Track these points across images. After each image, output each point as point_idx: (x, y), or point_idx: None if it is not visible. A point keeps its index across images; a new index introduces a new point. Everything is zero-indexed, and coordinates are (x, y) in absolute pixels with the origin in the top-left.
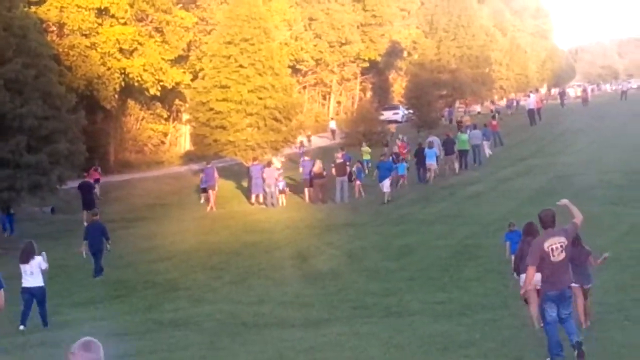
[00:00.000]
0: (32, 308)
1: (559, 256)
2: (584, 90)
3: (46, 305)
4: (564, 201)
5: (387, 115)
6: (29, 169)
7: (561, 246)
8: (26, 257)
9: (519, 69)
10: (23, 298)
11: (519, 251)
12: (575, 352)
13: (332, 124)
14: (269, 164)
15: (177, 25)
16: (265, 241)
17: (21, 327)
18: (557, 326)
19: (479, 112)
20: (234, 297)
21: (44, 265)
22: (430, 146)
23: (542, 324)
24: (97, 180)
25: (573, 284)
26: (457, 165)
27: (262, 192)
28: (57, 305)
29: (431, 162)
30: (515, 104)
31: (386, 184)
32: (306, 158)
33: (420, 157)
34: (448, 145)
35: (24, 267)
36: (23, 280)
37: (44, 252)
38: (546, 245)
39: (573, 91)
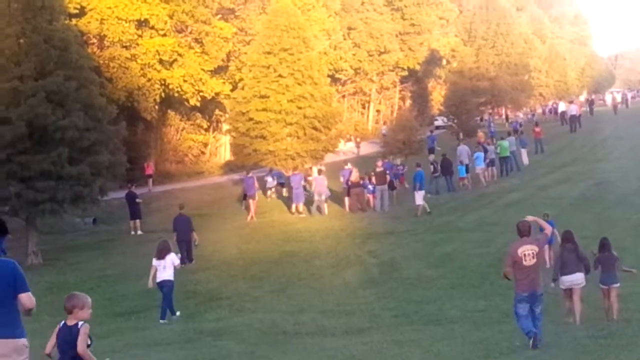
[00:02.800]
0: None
1: (530, 261)
2: (614, 98)
3: (172, 297)
4: (530, 218)
5: None
6: (71, 181)
7: (532, 253)
8: (163, 254)
9: (558, 76)
10: (162, 292)
11: (558, 257)
12: (531, 341)
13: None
14: (320, 171)
15: (217, 35)
16: (305, 250)
17: (174, 317)
18: (528, 317)
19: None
20: (274, 306)
21: (176, 262)
22: (462, 162)
23: (571, 319)
24: (149, 176)
25: (602, 285)
26: (496, 172)
27: (303, 201)
28: (99, 315)
29: (463, 177)
30: (550, 111)
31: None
32: (346, 167)
33: (446, 168)
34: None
35: (159, 263)
36: (157, 275)
37: (178, 253)
38: (519, 251)
39: (610, 97)
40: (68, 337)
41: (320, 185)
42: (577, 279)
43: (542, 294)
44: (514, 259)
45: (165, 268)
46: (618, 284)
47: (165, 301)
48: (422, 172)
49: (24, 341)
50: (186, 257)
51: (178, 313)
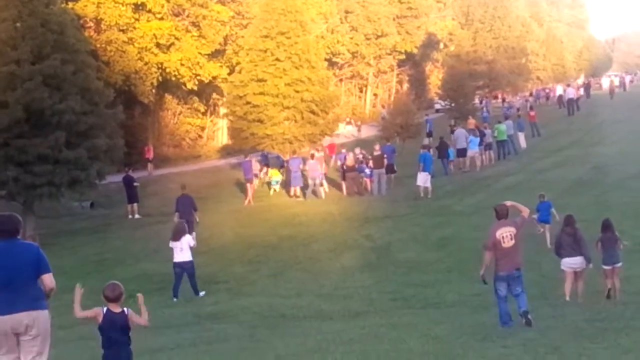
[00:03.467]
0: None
1: (508, 243)
2: (612, 82)
3: (195, 277)
4: (508, 203)
5: None
6: (68, 164)
7: (510, 234)
8: (178, 236)
9: (556, 59)
10: (174, 272)
11: (558, 239)
12: (523, 321)
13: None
14: (312, 156)
15: (214, 19)
16: (302, 234)
17: (174, 300)
18: (506, 300)
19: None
20: (272, 290)
21: (192, 243)
22: (455, 146)
23: (568, 297)
24: (149, 159)
25: (604, 266)
26: (493, 156)
27: (301, 185)
28: (96, 300)
29: (451, 160)
30: (545, 95)
31: (429, 179)
32: (343, 151)
33: (443, 150)
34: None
35: (175, 244)
36: (174, 256)
37: (194, 233)
38: (498, 233)
39: (608, 81)
40: (117, 323)
41: (313, 170)
42: (575, 262)
43: (521, 273)
44: (493, 241)
45: (183, 249)
46: (620, 264)
47: (191, 281)
48: (428, 154)
49: (47, 312)
50: None
51: (203, 293)
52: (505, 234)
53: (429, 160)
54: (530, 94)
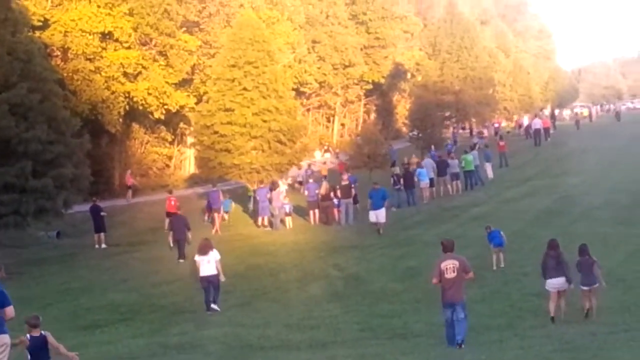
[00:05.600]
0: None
1: (451, 274)
2: (576, 114)
3: (219, 290)
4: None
5: None
6: (35, 194)
7: (453, 267)
8: (205, 250)
9: (523, 89)
10: (202, 285)
11: (543, 262)
12: (457, 346)
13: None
14: (275, 186)
15: (181, 48)
16: (270, 264)
17: (209, 313)
18: (452, 326)
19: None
20: (239, 320)
21: (218, 257)
22: (421, 166)
23: (552, 314)
24: (129, 187)
25: (582, 287)
26: (461, 186)
27: (268, 214)
28: (63, 329)
29: (425, 182)
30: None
31: (381, 214)
32: (311, 181)
33: (408, 180)
34: (441, 167)
35: (203, 258)
36: (201, 270)
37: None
38: (443, 265)
39: (568, 113)
40: (38, 343)
41: (275, 200)
42: (558, 283)
43: (463, 302)
44: (439, 272)
45: (210, 262)
46: (597, 284)
47: (215, 293)
48: (375, 192)
49: (6, 337)
50: (180, 254)
51: (218, 308)
52: (449, 266)
53: (375, 197)
54: (493, 125)
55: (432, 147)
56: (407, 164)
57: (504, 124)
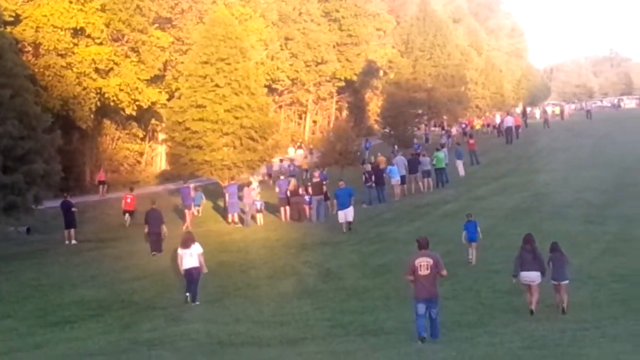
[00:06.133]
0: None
1: (424, 271)
2: (545, 112)
3: (199, 284)
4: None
5: None
6: (5, 189)
7: (427, 264)
8: (188, 243)
9: (495, 87)
10: (185, 277)
11: (517, 256)
12: (419, 341)
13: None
14: (248, 183)
15: (153, 45)
16: (241, 260)
17: (194, 303)
18: (424, 317)
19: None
20: (210, 316)
21: (200, 250)
22: (391, 163)
23: (531, 307)
24: (102, 182)
25: (553, 282)
26: (432, 184)
27: (239, 211)
28: (32, 325)
29: (396, 179)
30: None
31: (349, 213)
32: (282, 177)
33: (379, 177)
34: (413, 165)
35: (185, 252)
36: (184, 263)
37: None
38: (417, 261)
39: (539, 112)
40: None
41: (247, 196)
42: (533, 276)
43: (437, 298)
44: (412, 268)
45: (192, 255)
46: (567, 281)
47: (194, 286)
48: (341, 191)
49: None
50: (156, 248)
51: (198, 302)
52: (423, 263)
53: (342, 196)
54: (447, 128)
55: (415, 140)
56: (374, 163)
57: (476, 122)
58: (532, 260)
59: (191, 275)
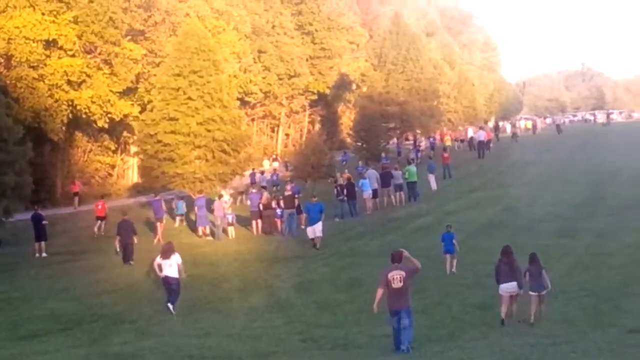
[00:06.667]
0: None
1: (397, 284)
2: (514, 126)
3: (179, 294)
4: (405, 253)
5: None
6: None
7: (400, 277)
8: (168, 254)
9: (467, 101)
10: (165, 286)
11: (496, 268)
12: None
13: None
14: (219, 196)
15: (126, 57)
16: (212, 273)
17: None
18: (399, 332)
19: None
20: (180, 330)
21: (180, 260)
22: (364, 177)
23: (503, 317)
24: (76, 194)
25: (531, 292)
26: (404, 198)
27: (207, 224)
28: (2, 339)
29: (367, 193)
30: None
31: (318, 228)
32: (253, 190)
33: (351, 191)
34: (385, 178)
35: (165, 262)
36: (163, 271)
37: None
38: (390, 275)
39: (509, 126)
40: None
41: (217, 209)
42: (511, 287)
43: (409, 309)
44: (385, 281)
45: (172, 266)
46: (545, 291)
47: (173, 296)
48: (311, 206)
49: None
50: (129, 258)
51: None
52: (396, 276)
53: (313, 211)
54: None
55: (383, 154)
56: (336, 179)
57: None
58: (510, 271)
59: (170, 285)
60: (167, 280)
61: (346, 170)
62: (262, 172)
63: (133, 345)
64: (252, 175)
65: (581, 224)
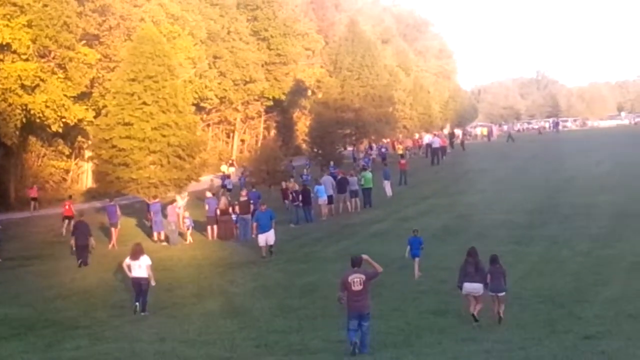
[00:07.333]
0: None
1: (357, 287)
2: (463, 134)
3: (148, 294)
4: (364, 256)
5: None
6: None
7: (360, 280)
8: (137, 255)
9: (423, 108)
10: (134, 286)
11: (461, 268)
12: (351, 349)
13: None
14: (172, 201)
15: (80, 61)
16: (167, 279)
17: (142, 314)
18: (355, 331)
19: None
20: (135, 335)
21: (149, 262)
22: (319, 183)
23: (471, 312)
24: (34, 199)
25: (491, 293)
26: (359, 204)
27: (162, 229)
28: None
29: (323, 199)
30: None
31: (271, 236)
32: (209, 195)
33: (306, 197)
34: (341, 184)
35: (134, 263)
36: (133, 272)
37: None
38: (350, 278)
39: (460, 132)
40: None
41: (170, 214)
42: (475, 287)
43: (369, 313)
44: (345, 285)
45: (141, 267)
46: (504, 292)
47: (143, 298)
48: (261, 213)
49: None
50: (83, 259)
51: (147, 312)
52: (356, 279)
53: (263, 219)
54: (370, 147)
55: (332, 162)
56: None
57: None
58: (475, 272)
59: (140, 286)
60: (136, 280)
61: (291, 179)
62: (229, 176)
63: (87, 351)
64: (224, 178)
65: (535, 231)
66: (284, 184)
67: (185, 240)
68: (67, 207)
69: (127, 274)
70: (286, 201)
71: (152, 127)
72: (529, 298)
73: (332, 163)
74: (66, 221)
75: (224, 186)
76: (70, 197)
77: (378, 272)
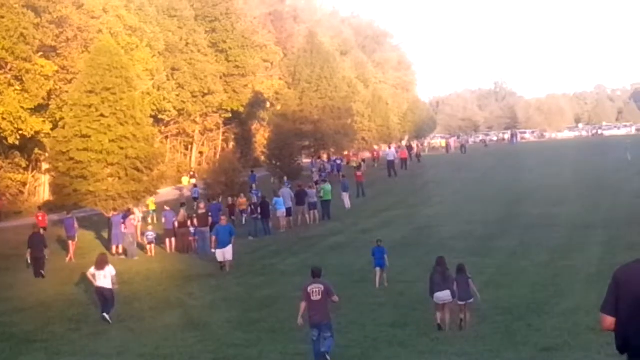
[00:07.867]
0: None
1: (316, 297)
2: (418, 146)
3: (114, 303)
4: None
5: None
6: None
7: (319, 290)
8: (102, 265)
9: (381, 120)
10: (98, 296)
11: (431, 277)
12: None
13: None
14: (130, 213)
15: (37, 73)
16: (125, 292)
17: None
18: (318, 342)
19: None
20: (92, 349)
21: (114, 272)
22: (278, 195)
23: (439, 322)
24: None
25: (459, 301)
26: (318, 216)
27: (121, 242)
28: None
29: (281, 211)
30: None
31: (228, 252)
32: (167, 208)
33: (264, 209)
34: (300, 197)
35: (100, 273)
36: (97, 282)
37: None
38: (309, 288)
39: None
40: None
41: (129, 227)
42: (444, 296)
43: (329, 323)
44: (306, 294)
45: (106, 277)
46: (471, 300)
47: (108, 305)
48: (221, 227)
49: None
50: (39, 271)
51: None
52: (315, 289)
53: (222, 234)
54: (328, 159)
55: (285, 178)
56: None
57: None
58: (442, 281)
59: (104, 295)
60: (100, 290)
61: (242, 195)
62: (195, 185)
63: None
64: (194, 188)
65: (493, 243)
66: (230, 200)
67: (147, 253)
68: (39, 218)
69: (92, 283)
70: (236, 216)
71: (110, 140)
72: (488, 310)
73: (286, 178)
74: (41, 230)
75: (195, 198)
76: (40, 208)
77: (335, 301)
